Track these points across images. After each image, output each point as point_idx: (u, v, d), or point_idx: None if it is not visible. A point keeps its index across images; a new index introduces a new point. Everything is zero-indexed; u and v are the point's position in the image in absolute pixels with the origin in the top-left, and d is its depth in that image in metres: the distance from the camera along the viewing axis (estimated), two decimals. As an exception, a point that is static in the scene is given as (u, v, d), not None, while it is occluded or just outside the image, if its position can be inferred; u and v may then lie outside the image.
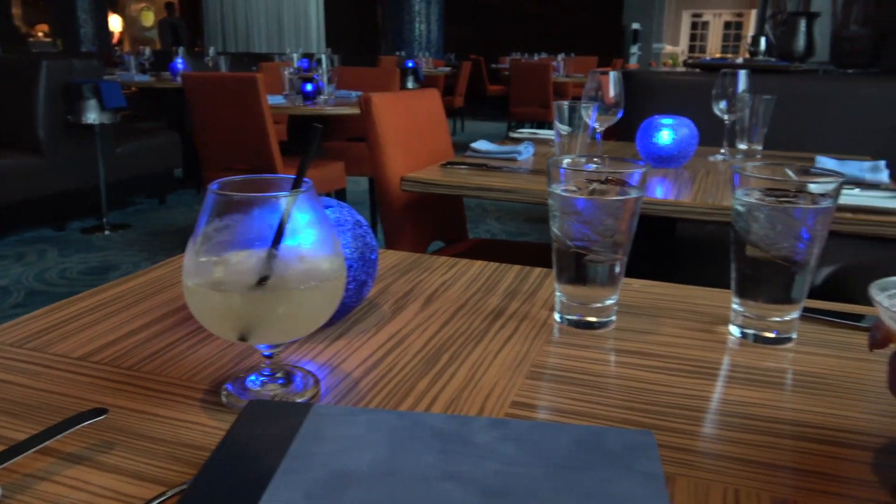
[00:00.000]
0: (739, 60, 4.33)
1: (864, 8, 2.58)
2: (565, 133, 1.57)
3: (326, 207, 0.67)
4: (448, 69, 9.21)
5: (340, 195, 3.58)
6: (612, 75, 1.60)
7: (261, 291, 0.50)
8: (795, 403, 0.57)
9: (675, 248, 1.92)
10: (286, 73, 3.69)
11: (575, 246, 0.67)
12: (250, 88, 2.97)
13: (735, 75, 1.76)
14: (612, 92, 1.60)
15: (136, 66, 5.64)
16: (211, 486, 0.39)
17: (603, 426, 0.47)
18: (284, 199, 0.50)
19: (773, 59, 2.98)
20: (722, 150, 1.82)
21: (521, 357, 0.64)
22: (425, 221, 1.92)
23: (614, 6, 12.33)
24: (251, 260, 0.50)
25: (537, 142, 2.02)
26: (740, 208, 0.65)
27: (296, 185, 0.51)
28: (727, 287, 0.71)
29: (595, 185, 0.68)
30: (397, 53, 9.11)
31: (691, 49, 19.38)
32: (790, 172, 0.70)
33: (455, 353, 0.64)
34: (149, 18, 17.85)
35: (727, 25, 19.05)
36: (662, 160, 1.67)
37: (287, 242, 0.50)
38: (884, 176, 1.51)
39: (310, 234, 0.51)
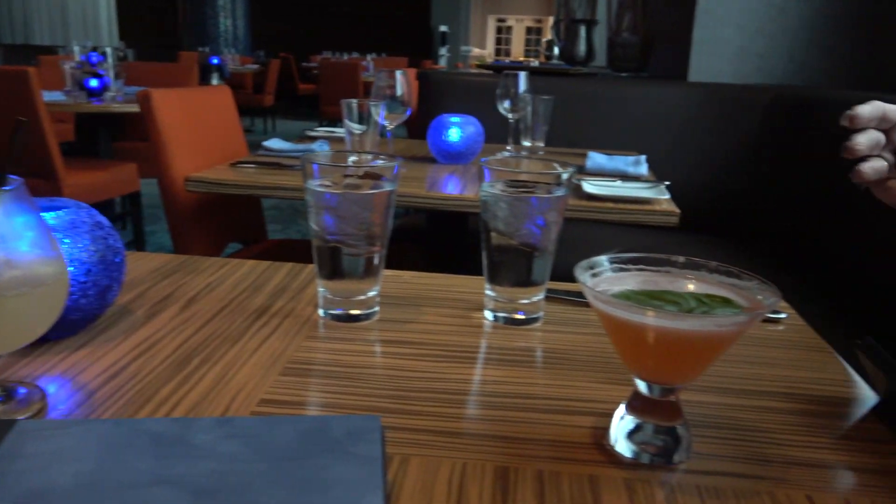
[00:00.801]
0: (535, 63, 4.57)
1: (633, 17, 2.84)
2: (356, 131, 1.58)
3: (61, 208, 0.63)
4: (256, 67, 8.94)
5: (134, 198, 3.36)
6: (399, 74, 1.63)
7: (-41, 301, 0.45)
8: (537, 378, 0.62)
9: (468, 241, 1.99)
10: (67, 67, 3.39)
11: (332, 240, 0.68)
12: (22, 84, 2.69)
13: (516, 76, 1.86)
14: (399, 90, 1.63)
15: None
16: None
17: (331, 415, 0.48)
18: (-15, 200, 0.46)
19: (564, 63, 3.20)
20: (508, 147, 1.92)
21: (277, 354, 0.63)
22: (218, 223, 1.85)
23: (423, 8, 12.60)
24: (-54, 267, 0.46)
25: (333, 140, 2.01)
26: (486, 199, 0.69)
27: (-1, 183, 0.47)
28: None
29: (350, 180, 0.69)
30: (200, 49, 8.68)
31: (497, 52, 20.29)
32: (557, 166, 0.75)
33: (208, 355, 0.62)
34: None
35: (529, 31, 20.17)
36: (452, 157, 1.73)
37: (-9, 246, 0.46)
38: (643, 169, 1.67)
39: (19, 237, 0.47)
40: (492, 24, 20.22)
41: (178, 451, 0.40)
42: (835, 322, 1.64)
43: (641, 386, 0.49)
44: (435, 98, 2.56)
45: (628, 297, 0.48)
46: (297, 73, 10.02)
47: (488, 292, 0.73)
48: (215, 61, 7.87)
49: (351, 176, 0.69)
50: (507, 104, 1.87)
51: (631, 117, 2.44)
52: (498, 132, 1.99)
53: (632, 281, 0.50)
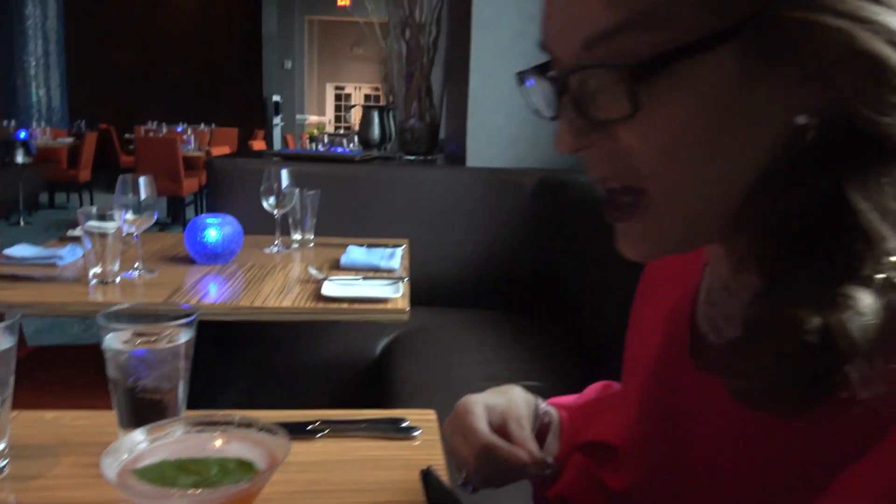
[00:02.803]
0: (327, 148, 4.49)
1: (419, 104, 3.01)
2: (99, 237, 1.56)
3: None
4: (70, 140, 8.48)
5: None
6: (143, 180, 1.64)
7: None
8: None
9: (231, 349, 1.99)
10: None
11: (-62, 405, 0.67)
12: None
13: (279, 173, 1.91)
14: (144, 194, 1.63)
15: None
16: None
17: None
18: None
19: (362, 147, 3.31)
20: (276, 242, 1.95)
21: None
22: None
23: (255, 78, 12.56)
24: None
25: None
26: (107, 354, 0.71)
27: None
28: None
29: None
30: (5, 123, 8.14)
31: (337, 118, 20.56)
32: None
33: None
34: None
35: (367, 98, 20.64)
36: (210, 257, 1.74)
37: None
38: (395, 263, 1.75)
39: None
40: (331, 92, 20.51)
41: None
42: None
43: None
44: (222, 187, 2.56)
45: (157, 468, 0.52)
46: (118, 144, 9.61)
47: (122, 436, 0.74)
48: (22, 136, 7.41)
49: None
50: (271, 201, 1.91)
51: (416, 201, 2.56)
52: (271, 221, 2.01)
53: (168, 449, 0.54)
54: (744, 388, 0.42)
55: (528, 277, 2.48)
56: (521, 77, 0.49)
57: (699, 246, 0.48)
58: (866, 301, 0.39)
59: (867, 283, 0.39)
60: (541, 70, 0.48)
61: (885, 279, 0.39)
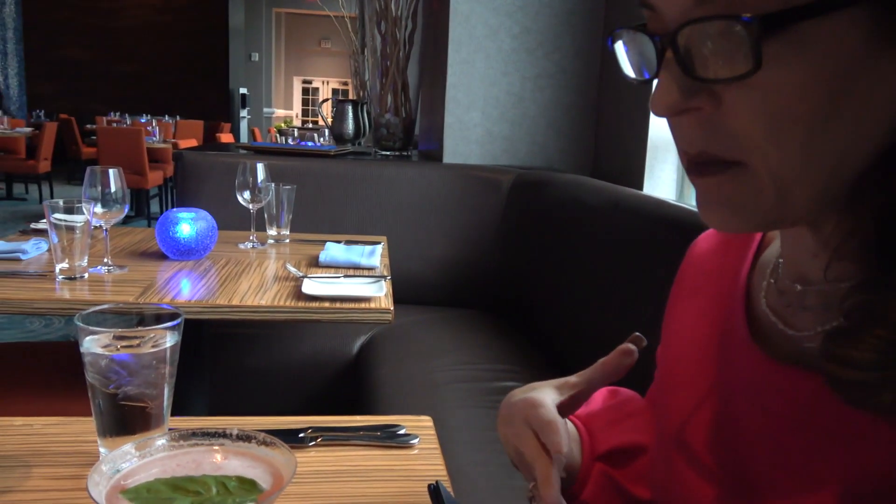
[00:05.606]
0: (306, 142, 4.48)
1: (395, 98, 2.96)
2: (66, 230, 1.49)
3: None
4: (29, 130, 8.23)
5: None
6: (112, 172, 1.57)
7: None
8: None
9: (204, 349, 1.91)
10: None
11: None
12: None
13: (255, 167, 1.85)
14: (114, 187, 1.56)
15: None
16: None
17: None
18: None
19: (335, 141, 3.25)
20: (251, 238, 1.89)
21: None
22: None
23: (221, 71, 12.34)
24: None
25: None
26: (87, 358, 0.66)
27: None
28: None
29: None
30: (-41, 112, 7.88)
31: (304, 112, 20.34)
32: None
33: None
34: None
35: (335, 92, 20.45)
36: (183, 253, 1.67)
37: None
38: (376, 260, 1.71)
39: None
40: (297, 85, 20.27)
41: None
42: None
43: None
44: (192, 180, 2.49)
45: (150, 488, 0.47)
46: (79, 136, 9.36)
47: (102, 450, 0.69)
48: (-22, 124, 7.17)
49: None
50: (246, 195, 1.85)
51: (392, 198, 2.51)
52: (244, 218, 1.95)
53: (160, 466, 0.50)
54: (851, 378, 0.38)
55: (504, 275, 2.45)
56: (615, 36, 0.45)
57: (786, 226, 0.45)
58: None
59: None
60: (640, 27, 0.43)
61: None
